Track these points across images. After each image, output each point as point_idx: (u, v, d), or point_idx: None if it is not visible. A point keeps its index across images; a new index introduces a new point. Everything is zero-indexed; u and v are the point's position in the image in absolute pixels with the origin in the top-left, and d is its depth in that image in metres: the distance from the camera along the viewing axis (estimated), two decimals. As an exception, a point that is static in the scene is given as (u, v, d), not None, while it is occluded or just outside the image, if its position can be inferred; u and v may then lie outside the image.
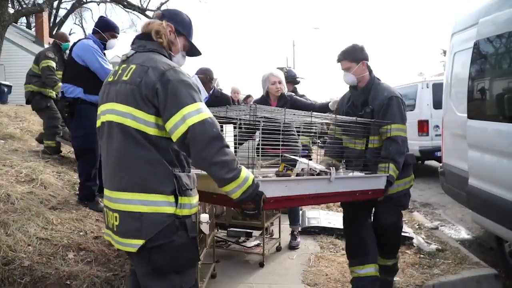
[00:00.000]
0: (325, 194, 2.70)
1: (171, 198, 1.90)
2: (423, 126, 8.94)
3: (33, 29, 25.77)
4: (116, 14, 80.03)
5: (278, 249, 4.45)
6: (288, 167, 2.87)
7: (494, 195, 3.56)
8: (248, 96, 10.13)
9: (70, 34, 32.15)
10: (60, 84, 5.42)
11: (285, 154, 3.06)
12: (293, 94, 4.81)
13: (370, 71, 3.29)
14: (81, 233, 3.88)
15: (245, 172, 1.94)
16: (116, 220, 1.92)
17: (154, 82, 1.84)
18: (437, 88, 8.13)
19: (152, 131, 1.87)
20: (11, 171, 4.60)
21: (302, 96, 5.47)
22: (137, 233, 1.87)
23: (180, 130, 1.82)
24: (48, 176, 4.79)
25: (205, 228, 3.10)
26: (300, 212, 5.03)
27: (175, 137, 1.84)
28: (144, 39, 2.05)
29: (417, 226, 5.34)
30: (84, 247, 3.70)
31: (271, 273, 3.90)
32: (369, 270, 3.14)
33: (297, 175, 2.71)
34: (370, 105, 3.19)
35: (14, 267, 3.19)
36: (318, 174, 2.71)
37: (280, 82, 4.36)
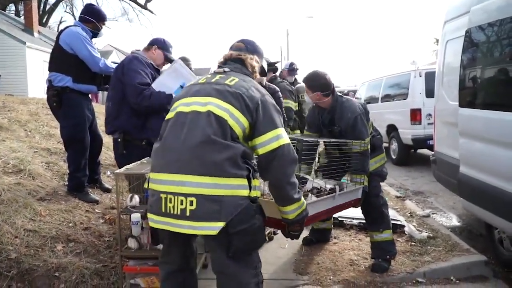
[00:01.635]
0: (330, 209, 3.28)
1: (246, 181, 2.09)
2: (415, 115, 8.93)
3: (22, 17, 25.39)
4: (108, 2, 78.85)
5: (270, 238, 4.44)
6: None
7: (485, 182, 3.56)
8: None
9: (60, 23, 31.78)
10: None
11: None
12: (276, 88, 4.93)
13: (332, 93, 3.63)
14: (70, 225, 3.83)
15: (303, 197, 2.34)
16: (191, 205, 2.01)
17: (257, 99, 2.19)
18: (430, 77, 8.11)
19: (238, 131, 2.13)
20: (-2, 163, 4.53)
21: (280, 82, 5.54)
22: (217, 215, 2.01)
23: (272, 145, 2.15)
24: (36, 167, 4.72)
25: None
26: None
27: (264, 150, 2.16)
28: (238, 63, 2.44)
29: (409, 214, 5.35)
30: (73, 238, 3.66)
31: (263, 263, 3.83)
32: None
33: (309, 192, 3.14)
34: (336, 124, 3.62)
35: (0, 259, 3.15)
36: (329, 193, 3.16)
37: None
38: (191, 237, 2.32)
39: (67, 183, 4.56)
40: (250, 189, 2.10)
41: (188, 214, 2.01)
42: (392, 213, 4.85)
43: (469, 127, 3.91)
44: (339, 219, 4.74)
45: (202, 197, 2.01)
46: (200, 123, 2.11)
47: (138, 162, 3.39)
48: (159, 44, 3.91)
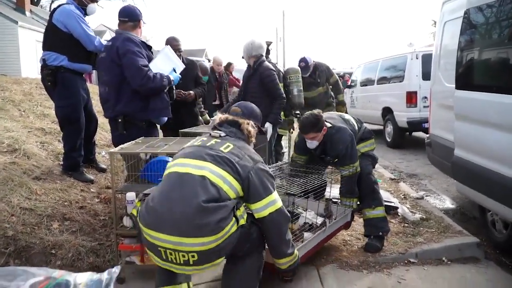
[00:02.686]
0: (323, 241, 3.45)
1: (234, 220, 2.24)
2: (411, 98, 8.92)
3: (14, -4, 24.91)
4: (102, -19, 77.48)
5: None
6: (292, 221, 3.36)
7: (480, 165, 3.58)
8: (230, 64, 9.89)
9: (52, 2, 31.24)
10: None
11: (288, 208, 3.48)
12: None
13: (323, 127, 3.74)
14: (65, 203, 3.84)
15: (296, 250, 2.63)
16: (194, 257, 2.14)
17: (249, 168, 2.33)
18: (427, 59, 8.07)
19: (232, 194, 2.27)
20: (-8, 142, 4.51)
21: (275, 64, 5.44)
22: (217, 257, 2.21)
23: (267, 210, 2.34)
24: (31, 146, 4.70)
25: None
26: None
27: (260, 215, 2.36)
28: (234, 127, 2.59)
29: (403, 196, 5.39)
30: (68, 217, 3.68)
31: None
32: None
33: (301, 227, 3.40)
34: (328, 154, 3.82)
35: (-3, 237, 3.15)
36: (320, 226, 3.39)
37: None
38: None
39: (62, 162, 4.56)
40: (238, 222, 2.26)
41: (191, 263, 2.15)
42: (386, 195, 4.89)
43: (465, 109, 3.91)
44: (333, 200, 4.76)
45: (202, 252, 2.14)
46: (194, 187, 2.19)
47: (133, 141, 3.39)
48: (138, 18, 3.91)
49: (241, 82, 5.16)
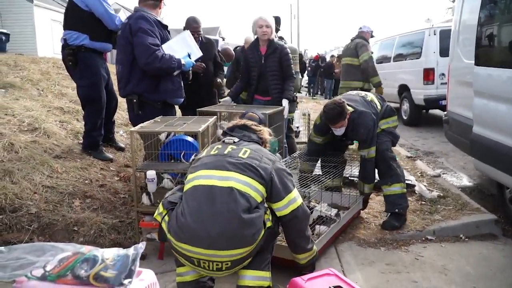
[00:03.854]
0: (337, 232, 3.50)
1: (263, 226, 2.30)
2: (428, 74, 8.77)
3: (29, -25, 24.89)
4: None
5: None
6: None
7: (499, 142, 3.55)
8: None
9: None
10: None
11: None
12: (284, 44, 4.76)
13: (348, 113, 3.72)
14: (86, 182, 3.92)
15: (315, 245, 2.74)
16: (227, 264, 2.20)
17: (270, 170, 2.36)
18: (445, 35, 7.89)
19: (259, 199, 2.29)
20: (13, 120, 4.59)
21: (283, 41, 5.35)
22: (248, 259, 2.29)
23: (289, 208, 2.40)
24: (51, 125, 4.78)
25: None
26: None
27: (282, 213, 2.41)
28: (246, 130, 2.60)
29: (420, 174, 5.37)
30: (89, 195, 3.75)
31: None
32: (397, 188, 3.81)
33: (316, 220, 3.41)
34: (349, 137, 3.93)
35: (21, 214, 3.25)
36: (333, 219, 3.43)
37: (267, 26, 4.48)
38: None
39: (81, 141, 4.62)
40: (265, 226, 2.32)
41: (224, 269, 2.22)
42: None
43: (484, 86, 3.85)
44: (350, 178, 4.77)
45: (236, 260, 2.21)
46: (224, 200, 2.19)
47: (152, 120, 3.41)
48: None
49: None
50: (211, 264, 2.18)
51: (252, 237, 2.19)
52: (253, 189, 2.27)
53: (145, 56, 3.53)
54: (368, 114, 3.76)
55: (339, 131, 3.77)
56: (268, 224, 2.34)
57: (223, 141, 2.52)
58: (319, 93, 21.29)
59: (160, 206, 2.39)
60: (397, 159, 4.05)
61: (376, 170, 3.95)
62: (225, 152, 2.39)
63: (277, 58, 4.53)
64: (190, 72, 4.06)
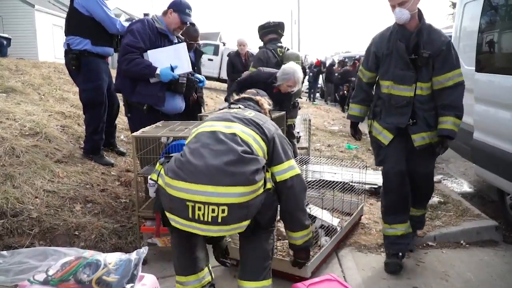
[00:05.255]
0: (339, 241, 3.49)
1: (263, 181, 2.21)
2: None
3: (30, -20, 24.98)
4: (114, -36, 77.06)
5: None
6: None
7: (499, 148, 3.56)
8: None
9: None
10: None
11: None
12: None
13: (420, 11, 3.03)
14: (87, 186, 3.92)
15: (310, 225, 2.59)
16: (223, 212, 2.07)
17: (273, 132, 2.37)
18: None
19: (261, 153, 2.25)
20: (14, 125, 4.60)
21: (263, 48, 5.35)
22: (245, 217, 2.13)
23: (288, 174, 2.33)
24: (52, 130, 4.78)
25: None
26: (304, 166, 5.05)
27: (281, 178, 2.33)
28: (251, 102, 2.71)
29: (420, 180, 5.37)
30: (91, 199, 3.75)
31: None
32: (405, 229, 3.24)
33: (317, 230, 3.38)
34: (424, 48, 2.98)
35: (22, 218, 3.24)
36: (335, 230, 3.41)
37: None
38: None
39: (82, 146, 4.63)
40: (265, 184, 2.23)
41: (219, 220, 2.08)
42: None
43: (485, 92, 3.87)
44: (350, 184, 4.77)
45: (233, 205, 2.08)
46: (228, 142, 2.18)
47: (153, 125, 3.42)
48: (174, 7, 3.76)
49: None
50: (207, 210, 2.05)
51: (252, 175, 2.11)
52: (256, 142, 2.26)
53: (119, 56, 3.63)
54: None
55: (400, 12, 2.94)
56: (269, 185, 2.24)
57: (229, 107, 2.61)
58: (326, 98, 21.12)
59: (157, 165, 2.32)
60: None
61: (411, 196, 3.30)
62: (231, 112, 2.46)
63: None
64: (183, 85, 3.83)
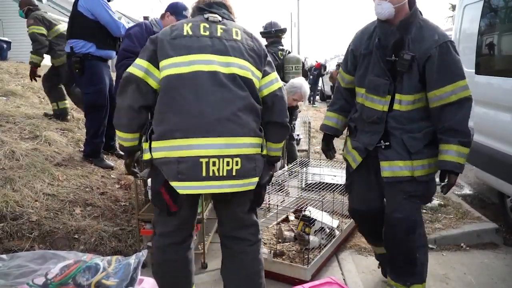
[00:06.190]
0: (339, 244, 3.50)
1: (263, 141, 2.19)
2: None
3: (30, -17, 24.99)
4: (115, -33, 77.15)
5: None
6: (307, 225, 3.26)
7: (499, 151, 3.56)
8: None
9: (68, -11, 31.25)
10: None
11: (304, 213, 3.38)
12: None
13: (413, 2, 2.41)
14: (87, 189, 3.92)
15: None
16: (237, 164, 2.03)
17: (263, 48, 2.25)
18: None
19: (257, 84, 2.17)
20: (14, 128, 4.60)
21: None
22: (254, 172, 2.10)
23: (275, 85, 2.23)
24: (51, 133, 4.79)
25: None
26: (304, 169, 5.05)
27: (269, 90, 2.22)
28: (223, 8, 2.29)
29: (420, 182, 5.37)
30: (90, 202, 3.75)
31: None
32: None
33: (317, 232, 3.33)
34: (409, 48, 2.32)
35: (22, 222, 3.24)
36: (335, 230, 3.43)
37: None
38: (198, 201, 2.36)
39: (82, 149, 4.63)
40: (262, 150, 2.18)
41: (234, 173, 2.03)
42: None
43: (485, 94, 3.87)
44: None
45: (245, 156, 2.06)
46: (230, 86, 2.06)
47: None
48: (171, 10, 3.73)
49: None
50: (222, 163, 1.99)
51: (257, 126, 2.12)
52: (254, 76, 2.15)
53: (117, 61, 3.62)
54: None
55: (379, 5, 2.34)
56: (265, 151, 2.21)
57: (207, 18, 2.20)
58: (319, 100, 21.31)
59: (143, 143, 2.14)
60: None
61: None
62: (219, 35, 2.15)
63: None
64: None
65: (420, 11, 2.41)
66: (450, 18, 24.44)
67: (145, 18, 4.44)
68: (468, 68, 4.40)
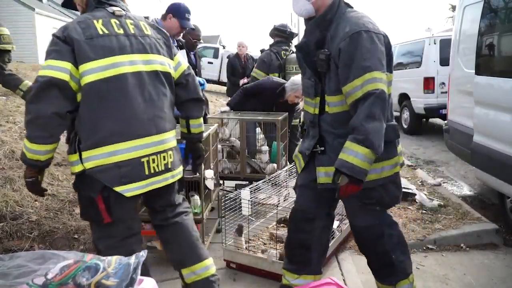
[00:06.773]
0: (340, 243, 3.51)
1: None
2: (428, 83, 8.80)
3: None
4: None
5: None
6: None
7: (500, 151, 3.55)
8: None
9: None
10: None
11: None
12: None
13: None
14: (86, 189, 3.91)
15: None
16: (171, 157, 2.20)
17: (167, 39, 2.30)
18: (445, 44, 7.95)
19: (173, 74, 2.27)
20: (14, 128, 4.60)
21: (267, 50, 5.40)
22: (180, 161, 2.32)
23: (183, 67, 2.34)
24: (52, 133, 4.78)
25: (210, 184, 3.13)
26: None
27: (180, 71, 2.32)
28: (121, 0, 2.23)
29: (420, 183, 5.37)
30: (90, 202, 3.75)
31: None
32: (304, 281, 2.36)
33: None
34: (327, 47, 2.13)
35: (22, 221, 3.25)
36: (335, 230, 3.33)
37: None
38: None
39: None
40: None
41: (170, 166, 2.19)
42: (403, 182, 4.87)
43: (485, 95, 3.87)
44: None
45: (174, 148, 2.26)
46: (154, 84, 2.14)
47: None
48: (173, 11, 3.71)
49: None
50: (160, 159, 2.12)
51: (173, 119, 2.26)
52: (171, 67, 2.25)
53: None
54: (371, 21, 2.13)
55: (295, 3, 2.21)
56: (185, 130, 2.48)
57: (113, 12, 2.09)
58: None
59: (73, 155, 2.04)
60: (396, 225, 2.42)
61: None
62: (133, 32, 2.11)
63: None
64: None
65: (347, 3, 2.22)
66: (450, 18, 24.48)
67: (146, 18, 4.42)
68: (468, 68, 4.41)
